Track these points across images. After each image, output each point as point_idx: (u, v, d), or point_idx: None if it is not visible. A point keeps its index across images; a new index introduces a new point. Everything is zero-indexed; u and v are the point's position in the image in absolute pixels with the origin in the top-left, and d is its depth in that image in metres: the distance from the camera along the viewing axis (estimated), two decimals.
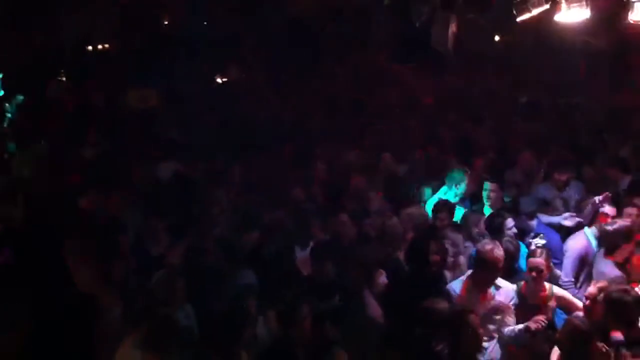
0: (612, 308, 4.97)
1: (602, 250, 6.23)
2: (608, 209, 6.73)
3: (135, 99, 11.73)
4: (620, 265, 6.00)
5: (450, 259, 6.34)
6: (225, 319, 5.07)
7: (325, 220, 7.14)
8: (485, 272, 5.66)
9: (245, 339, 5.06)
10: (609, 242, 6.16)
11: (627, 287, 5.25)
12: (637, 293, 5.14)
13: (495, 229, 6.51)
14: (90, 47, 14.32)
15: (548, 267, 5.74)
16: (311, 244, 6.56)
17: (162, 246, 6.48)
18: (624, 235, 6.09)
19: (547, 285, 5.73)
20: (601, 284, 5.31)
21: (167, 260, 6.22)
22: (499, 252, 5.62)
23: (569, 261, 6.40)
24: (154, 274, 5.70)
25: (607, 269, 5.97)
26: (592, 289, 5.30)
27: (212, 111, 11.09)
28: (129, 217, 6.90)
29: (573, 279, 6.32)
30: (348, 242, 6.77)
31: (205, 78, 13.30)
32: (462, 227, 6.99)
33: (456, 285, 5.79)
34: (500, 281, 5.73)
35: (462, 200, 7.71)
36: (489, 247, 5.67)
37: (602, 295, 5.13)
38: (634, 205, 6.69)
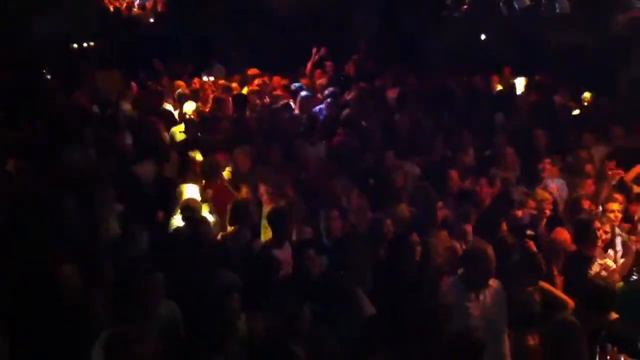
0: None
1: None
2: None
3: (100, 81, 11.68)
4: None
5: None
6: (211, 314, 5.07)
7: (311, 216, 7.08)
8: (476, 272, 5.57)
9: (231, 335, 5.05)
10: None
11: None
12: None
13: (488, 228, 6.52)
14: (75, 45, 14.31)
15: None
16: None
17: (142, 247, 6.38)
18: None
19: None
20: None
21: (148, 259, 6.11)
22: (490, 251, 5.54)
23: None
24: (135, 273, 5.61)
25: None
26: None
27: None
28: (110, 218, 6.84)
29: None
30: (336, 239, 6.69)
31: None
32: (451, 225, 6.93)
33: (446, 285, 5.75)
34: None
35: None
36: (480, 246, 5.64)
37: None
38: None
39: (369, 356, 4.89)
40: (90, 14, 15.40)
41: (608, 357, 4.84)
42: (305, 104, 11.20)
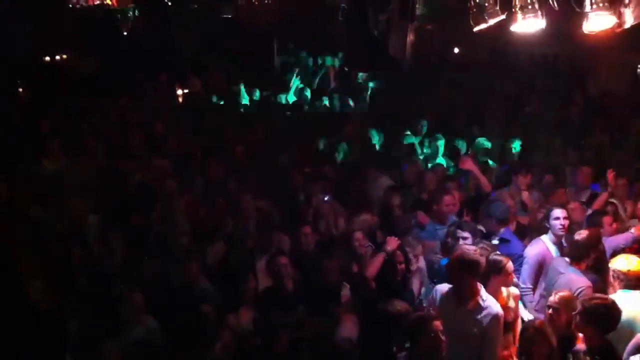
0: (590, 317, 4.86)
1: (565, 258, 6.16)
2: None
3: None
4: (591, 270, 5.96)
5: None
6: (186, 325, 5.09)
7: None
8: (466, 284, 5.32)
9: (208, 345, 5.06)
10: (577, 252, 6.07)
11: (602, 296, 5.18)
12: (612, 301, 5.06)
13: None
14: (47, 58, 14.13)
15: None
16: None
17: (118, 258, 6.37)
18: (592, 245, 6.06)
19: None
20: (563, 293, 5.27)
21: (125, 272, 6.11)
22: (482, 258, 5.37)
23: (526, 267, 6.38)
24: (112, 286, 5.63)
25: (574, 276, 5.83)
26: (553, 298, 5.22)
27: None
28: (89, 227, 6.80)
29: (531, 286, 6.33)
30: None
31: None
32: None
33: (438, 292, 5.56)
34: None
35: None
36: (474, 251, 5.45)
37: (566, 304, 5.15)
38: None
39: None
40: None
41: None
42: None
